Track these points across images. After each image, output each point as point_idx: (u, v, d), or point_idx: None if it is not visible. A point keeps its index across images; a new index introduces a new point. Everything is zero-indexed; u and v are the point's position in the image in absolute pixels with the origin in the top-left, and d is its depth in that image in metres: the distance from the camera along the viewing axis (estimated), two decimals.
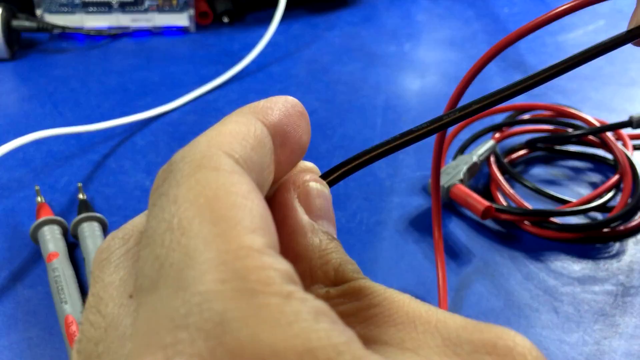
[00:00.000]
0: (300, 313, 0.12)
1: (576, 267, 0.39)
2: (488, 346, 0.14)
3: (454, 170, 0.44)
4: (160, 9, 0.65)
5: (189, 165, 0.14)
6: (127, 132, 0.51)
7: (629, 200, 0.42)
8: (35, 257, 0.39)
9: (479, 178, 0.47)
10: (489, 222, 0.43)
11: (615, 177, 0.43)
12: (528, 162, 0.49)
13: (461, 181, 0.43)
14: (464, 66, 0.62)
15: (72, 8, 0.64)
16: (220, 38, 0.66)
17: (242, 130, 0.15)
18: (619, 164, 0.44)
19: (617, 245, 0.41)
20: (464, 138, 0.49)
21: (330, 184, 0.19)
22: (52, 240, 0.38)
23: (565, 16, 0.27)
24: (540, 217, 0.41)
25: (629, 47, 0.72)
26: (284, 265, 0.13)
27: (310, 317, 0.12)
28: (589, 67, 0.63)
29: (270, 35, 0.62)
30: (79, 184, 0.43)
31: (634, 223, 0.42)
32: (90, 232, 0.39)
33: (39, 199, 0.41)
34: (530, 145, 0.48)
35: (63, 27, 0.63)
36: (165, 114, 0.54)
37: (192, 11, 0.66)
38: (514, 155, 0.49)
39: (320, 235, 0.17)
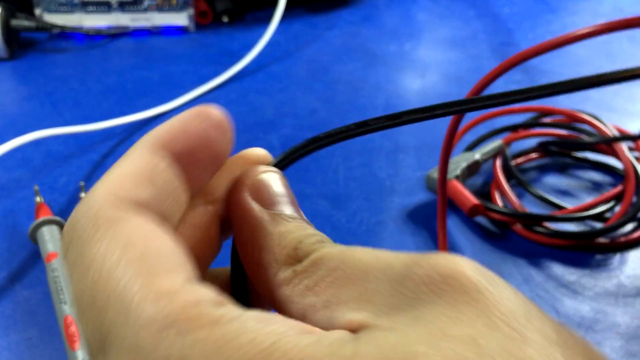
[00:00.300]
0: (229, 332, 0.13)
1: (576, 269, 0.39)
2: (426, 280, 0.14)
3: (453, 166, 0.44)
4: (159, 9, 0.65)
5: (90, 223, 0.15)
6: (127, 131, 0.51)
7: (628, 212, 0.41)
8: (35, 258, 0.39)
9: (485, 178, 0.46)
10: (488, 223, 0.43)
11: (619, 188, 0.42)
12: (539, 168, 0.48)
13: (457, 177, 0.43)
14: (465, 66, 0.62)
15: (71, 7, 0.64)
16: (219, 37, 0.66)
17: (136, 168, 0.16)
18: (625, 174, 0.43)
19: (616, 255, 0.40)
20: (473, 138, 0.48)
21: (283, 168, 0.19)
22: (51, 240, 0.38)
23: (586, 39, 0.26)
24: (531, 221, 0.41)
25: (628, 47, 0.73)
26: (207, 294, 0.14)
27: (240, 329, 0.13)
28: (590, 67, 0.63)
29: (270, 34, 0.62)
30: (81, 183, 0.43)
31: (635, 235, 0.41)
32: None
33: (38, 199, 0.41)
34: (542, 148, 0.47)
35: (62, 27, 0.63)
36: (165, 114, 0.54)
37: (191, 10, 0.66)
38: (523, 159, 0.48)
39: (278, 221, 0.17)
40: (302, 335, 0.13)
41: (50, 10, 0.64)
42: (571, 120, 0.49)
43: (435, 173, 0.44)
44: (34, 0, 0.63)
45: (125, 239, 0.14)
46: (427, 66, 0.62)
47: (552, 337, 0.13)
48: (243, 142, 0.51)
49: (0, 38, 0.59)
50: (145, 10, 0.65)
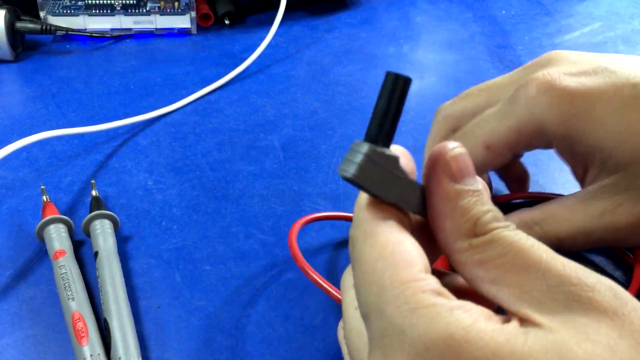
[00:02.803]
0: (440, 313, 0.19)
1: None
2: (576, 298, 0.19)
3: None
4: (162, 12, 0.66)
5: (361, 234, 0.22)
6: (130, 132, 0.52)
7: None
8: (40, 256, 0.40)
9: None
10: None
11: None
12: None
13: None
14: (462, 67, 0.63)
15: (75, 10, 0.65)
16: (221, 40, 0.67)
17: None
18: None
19: None
20: None
21: None
22: (58, 238, 0.39)
23: None
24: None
25: (624, 49, 0.73)
26: (431, 284, 0.19)
27: (448, 313, 0.19)
28: None
29: (271, 37, 0.62)
30: (92, 181, 0.43)
31: None
32: (101, 230, 0.39)
33: (44, 197, 0.42)
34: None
35: (66, 29, 0.63)
36: (168, 115, 0.55)
37: (193, 13, 0.67)
38: None
39: (463, 196, 0.21)
40: (489, 322, 0.18)
41: (54, 13, 0.65)
42: None
43: None
44: (38, 4, 0.64)
45: (381, 244, 0.21)
46: (425, 68, 0.63)
47: None
48: (244, 142, 0.52)
49: (6, 40, 0.59)
50: (148, 13, 0.66)
